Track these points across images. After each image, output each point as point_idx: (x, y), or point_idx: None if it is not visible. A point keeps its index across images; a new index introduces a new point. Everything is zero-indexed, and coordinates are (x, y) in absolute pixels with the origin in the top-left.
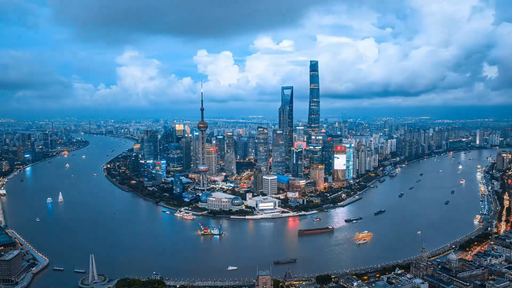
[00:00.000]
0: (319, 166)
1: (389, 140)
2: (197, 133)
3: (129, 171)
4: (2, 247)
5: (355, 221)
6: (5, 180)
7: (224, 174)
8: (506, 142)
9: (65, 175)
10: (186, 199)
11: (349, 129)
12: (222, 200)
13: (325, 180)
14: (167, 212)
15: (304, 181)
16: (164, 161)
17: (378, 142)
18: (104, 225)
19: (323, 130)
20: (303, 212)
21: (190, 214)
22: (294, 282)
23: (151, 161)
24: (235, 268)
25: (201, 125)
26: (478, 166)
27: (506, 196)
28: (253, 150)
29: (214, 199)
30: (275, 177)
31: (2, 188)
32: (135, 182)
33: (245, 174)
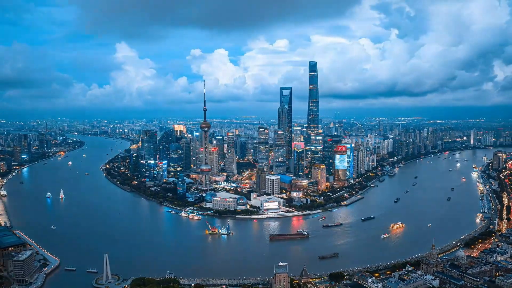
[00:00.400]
0: (321, 166)
1: (385, 140)
2: (197, 133)
3: (129, 172)
4: (12, 248)
5: (334, 228)
6: (4, 181)
7: (225, 174)
8: (499, 142)
9: (65, 174)
10: (190, 199)
11: (344, 129)
12: (227, 200)
13: (327, 180)
14: (172, 212)
15: (307, 181)
16: (165, 161)
17: (374, 142)
18: (111, 225)
19: (320, 131)
20: (307, 212)
21: (195, 214)
22: (311, 280)
23: (152, 162)
24: (285, 263)
25: (204, 125)
26: (474, 166)
27: (505, 195)
28: (252, 150)
29: (219, 199)
30: (278, 177)
31: (2, 189)
32: (136, 182)
33: (245, 174)
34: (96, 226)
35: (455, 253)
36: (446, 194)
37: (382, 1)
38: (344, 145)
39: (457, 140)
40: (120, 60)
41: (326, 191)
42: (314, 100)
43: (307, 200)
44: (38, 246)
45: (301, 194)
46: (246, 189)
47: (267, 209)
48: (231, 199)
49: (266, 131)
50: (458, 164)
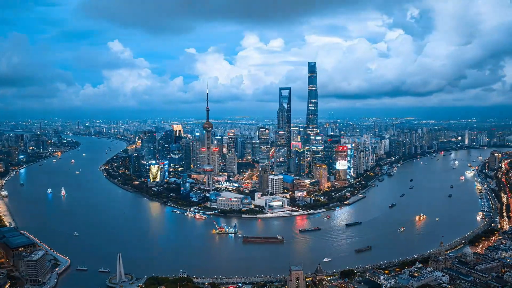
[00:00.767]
0: (323, 166)
1: (382, 140)
2: (197, 133)
3: (129, 172)
4: (22, 248)
5: (311, 231)
6: (4, 182)
7: (226, 174)
8: (493, 142)
9: (65, 175)
10: (194, 199)
11: (339, 129)
12: (232, 199)
13: (328, 179)
14: (177, 212)
15: (309, 180)
16: (167, 162)
17: (371, 143)
18: (117, 225)
19: (317, 131)
20: (312, 211)
21: (200, 213)
22: (325, 277)
23: (153, 162)
24: (330, 259)
25: (207, 126)
26: (469, 164)
27: (503, 194)
28: (250, 150)
29: (223, 198)
30: (281, 176)
31: (3, 189)
32: (138, 182)
33: (246, 174)
34: (103, 226)
35: (460, 250)
36: (447, 191)
37: (382, 1)
38: (345, 145)
39: (452, 140)
40: (113, 59)
41: (328, 190)
42: (313, 101)
43: (310, 199)
44: (47, 246)
45: (304, 193)
46: (248, 189)
47: (272, 209)
48: (236, 199)
49: (267, 131)
50: (456, 163)
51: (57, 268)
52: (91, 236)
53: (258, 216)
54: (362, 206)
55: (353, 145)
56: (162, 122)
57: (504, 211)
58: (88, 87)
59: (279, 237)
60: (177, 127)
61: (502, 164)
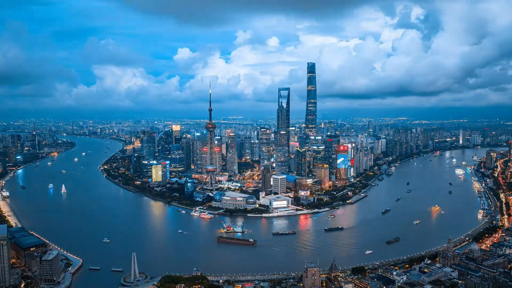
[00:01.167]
0: (325, 166)
1: (379, 140)
2: (197, 134)
3: (130, 172)
4: (34, 248)
5: (285, 234)
6: (3, 182)
7: (227, 174)
8: (486, 142)
9: (65, 174)
10: (198, 199)
11: (334, 129)
12: (237, 199)
13: (329, 178)
14: (182, 211)
15: (311, 180)
16: (168, 162)
17: (367, 142)
18: (124, 225)
19: (315, 132)
20: (316, 210)
21: (206, 213)
22: (340, 273)
23: (154, 162)
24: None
25: (209, 126)
26: (463, 163)
27: (501, 192)
28: (249, 150)
29: (228, 198)
30: (284, 176)
31: (3, 190)
32: (139, 182)
33: (247, 173)
34: (110, 226)
35: (465, 247)
36: (446, 189)
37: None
38: (345, 144)
39: (447, 140)
40: (108, 58)
41: (330, 189)
42: (312, 101)
43: (314, 198)
44: (56, 246)
45: (308, 192)
46: (251, 188)
47: (277, 208)
48: (241, 198)
49: (268, 131)
50: (454, 160)
51: (70, 268)
52: (98, 236)
53: (264, 215)
54: (365, 205)
55: (353, 145)
56: (156, 122)
57: (504, 209)
58: (81, 87)
59: (251, 240)
60: (176, 127)
61: (498, 163)
